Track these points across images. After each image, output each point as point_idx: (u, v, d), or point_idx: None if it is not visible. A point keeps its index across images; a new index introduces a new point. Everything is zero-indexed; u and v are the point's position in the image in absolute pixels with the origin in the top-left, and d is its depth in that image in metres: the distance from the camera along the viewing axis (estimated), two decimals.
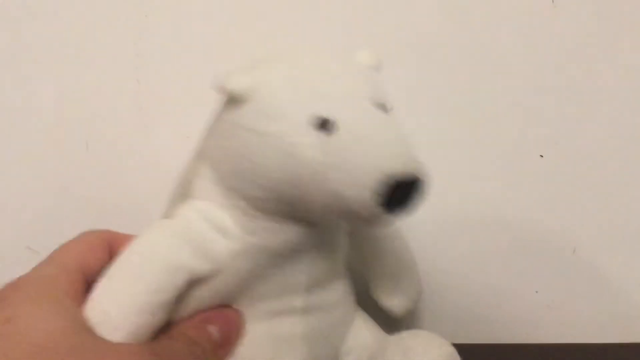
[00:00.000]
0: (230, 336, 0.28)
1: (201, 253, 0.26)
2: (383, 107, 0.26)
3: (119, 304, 0.25)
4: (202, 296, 0.27)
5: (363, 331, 0.33)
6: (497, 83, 0.41)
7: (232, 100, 0.25)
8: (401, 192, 0.23)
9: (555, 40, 0.41)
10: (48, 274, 0.26)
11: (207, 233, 0.26)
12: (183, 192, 0.29)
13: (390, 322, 0.35)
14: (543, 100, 0.41)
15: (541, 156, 0.42)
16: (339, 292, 0.31)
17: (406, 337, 0.33)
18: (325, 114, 0.24)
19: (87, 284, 0.26)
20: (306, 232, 0.27)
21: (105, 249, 0.28)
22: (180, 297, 0.26)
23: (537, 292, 0.43)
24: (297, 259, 0.28)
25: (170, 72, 0.41)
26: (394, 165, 0.23)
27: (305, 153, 0.24)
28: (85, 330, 0.24)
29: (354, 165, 0.23)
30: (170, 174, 0.41)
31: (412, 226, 0.42)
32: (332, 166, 0.23)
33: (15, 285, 0.25)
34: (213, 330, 0.27)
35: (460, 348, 0.41)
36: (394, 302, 0.35)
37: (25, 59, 0.42)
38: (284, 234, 0.27)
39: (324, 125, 0.24)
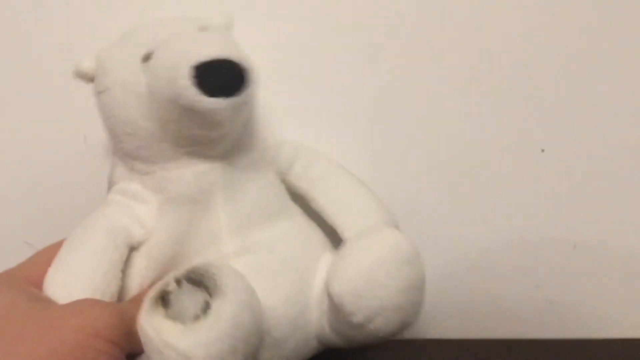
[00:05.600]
0: None
1: (129, 217, 0.29)
2: (205, 28, 0.30)
3: (72, 273, 0.27)
4: (141, 267, 0.29)
5: None
6: (498, 77, 0.41)
7: (89, 80, 0.31)
8: (218, 75, 0.25)
9: (556, 35, 0.40)
10: (24, 265, 0.28)
11: (127, 202, 0.30)
12: (108, 188, 0.32)
13: None
14: (544, 94, 0.41)
15: (542, 150, 0.41)
16: (279, 231, 0.32)
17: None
18: (149, 49, 0.28)
19: None
20: (202, 171, 0.29)
21: None
22: (125, 270, 0.29)
23: (537, 287, 0.42)
24: (212, 204, 0.29)
25: None
26: (201, 51, 0.25)
27: (134, 83, 0.28)
28: (38, 299, 0.25)
29: (167, 67, 0.26)
30: None
31: (410, 222, 0.42)
32: (154, 80, 0.27)
33: None
34: None
35: (461, 343, 0.41)
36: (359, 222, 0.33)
37: (22, 51, 0.41)
38: (182, 178, 0.29)
39: (147, 57, 0.28)
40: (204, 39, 0.27)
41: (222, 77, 0.25)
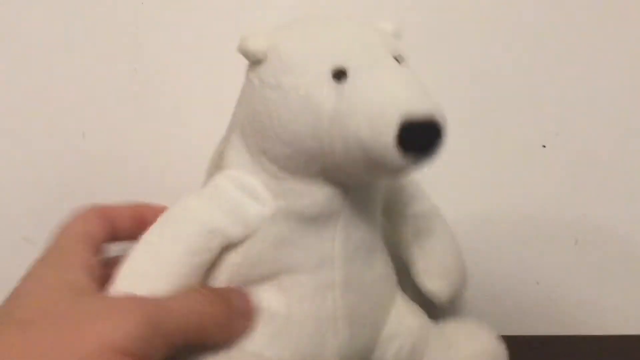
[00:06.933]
0: (248, 309, 0.27)
1: (234, 217, 0.27)
2: (399, 59, 0.26)
3: (159, 265, 0.26)
4: (234, 263, 0.27)
5: (408, 316, 0.31)
6: (500, 73, 0.41)
7: (253, 61, 0.27)
8: (420, 136, 0.22)
9: (558, 31, 0.40)
10: (57, 246, 0.27)
11: (239, 198, 0.27)
12: (217, 165, 0.29)
13: (429, 312, 0.34)
14: (545, 91, 0.41)
15: (543, 146, 0.41)
16: (377, 271, 0.30)
17: (449, 329, 0.30)
18: (342, 64, 0.24)
19: (96, 251, 0.28)
20: (334, 195, 0.27)
21: (102, 218, 0.29)
22: (214, 263, 0.27)
23: (538, 283, 0.42)
24: (330, 226, 0.28)
25: (167, 61, 0.41)
26: (413, 106, 0.22)
27: (319, 101, 0.24)
28: (80, 292, 0.24)
29: (371, 108, 0.23)
30: (167, 162, 0.42)
31: None
32: (348, 111, 0.23)
33: (35, 264, 0.26)
34: (234, 297, 0.27)
35: None
36: (435, 284, 0.33)
37: (22, 48, 0.41)
38: (312, 195, 0.27)
39: (339, 75, 0.24)
40: (412, 84, 0.24)
41: (423, 139, 0.22)
